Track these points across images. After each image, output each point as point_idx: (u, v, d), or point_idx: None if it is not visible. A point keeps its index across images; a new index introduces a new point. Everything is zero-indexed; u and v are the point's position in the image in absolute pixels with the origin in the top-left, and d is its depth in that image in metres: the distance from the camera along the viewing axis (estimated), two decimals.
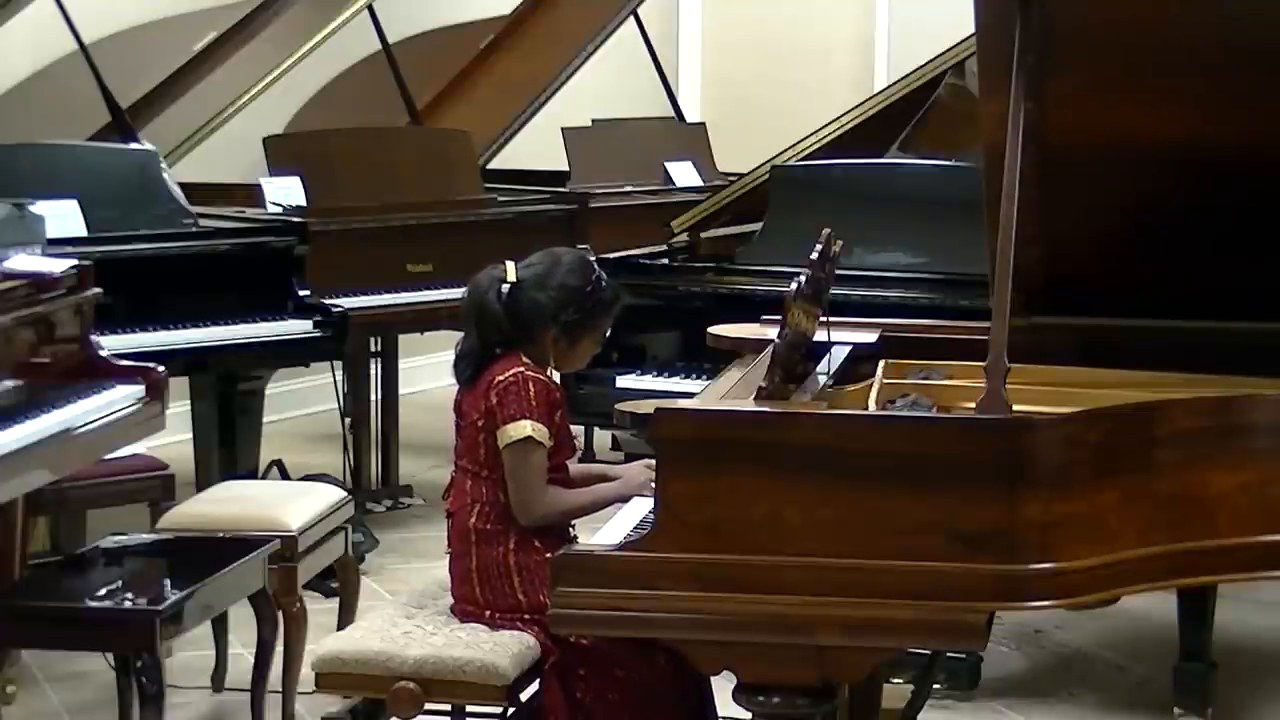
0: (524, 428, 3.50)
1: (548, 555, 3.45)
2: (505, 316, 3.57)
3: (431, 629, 3.53)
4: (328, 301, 5.59)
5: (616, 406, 4.21)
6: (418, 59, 6.95)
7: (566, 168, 7.17)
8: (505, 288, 3.58)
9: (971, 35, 3.39)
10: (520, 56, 7.30)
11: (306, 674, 3.68)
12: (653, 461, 3.56)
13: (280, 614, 4.21)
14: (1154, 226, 3.47)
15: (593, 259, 3.81)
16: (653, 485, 3.42)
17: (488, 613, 3.54)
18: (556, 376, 3.69)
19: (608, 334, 3.75)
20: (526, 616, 3.51)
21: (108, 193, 5.37)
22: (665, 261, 5.34)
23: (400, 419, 6.46)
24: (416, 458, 6.68)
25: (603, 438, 6.49)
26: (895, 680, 4.21)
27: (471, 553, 3.57)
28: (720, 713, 3.54)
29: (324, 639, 3.70)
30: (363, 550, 5.57)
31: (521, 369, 3.54)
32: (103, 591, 3.70)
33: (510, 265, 3.62)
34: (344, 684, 3.51)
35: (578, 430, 6.60)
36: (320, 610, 4.65)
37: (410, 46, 7.04)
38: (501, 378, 3.53)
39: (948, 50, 5.32)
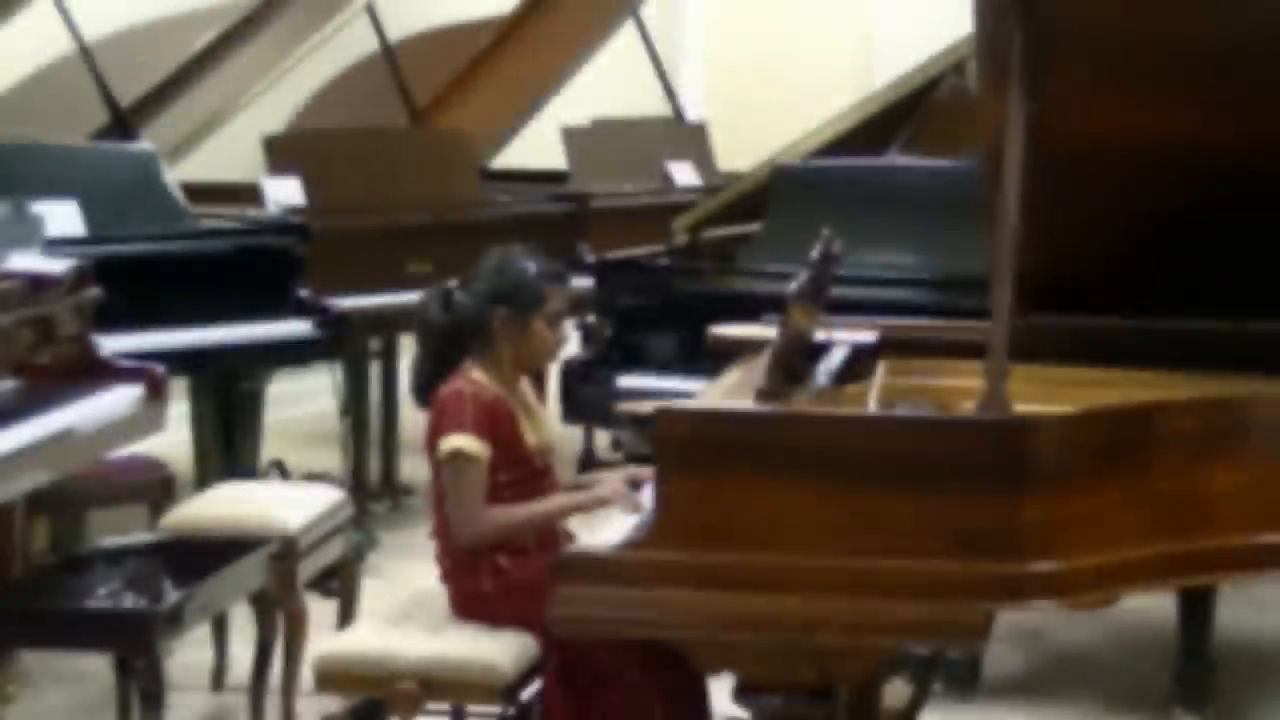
0: (451, 441, 3.48)
1: (529, 571, 3.48)
2: (448, 323, 3.60)
3: (431, 629, 3.54)
4: (328, 301, 5.59)
5: (616, 406, 4.21)
6: (418, 59, 6.95)
7: (566, 168, 7.17)
8: (444, 298, 3.63)
9: (971, 35, 3.39)
10: (520, 56, 7.30)
11: (306, 674, 3.68)
12: (630, 472, 3.59)
13: (280, 614, 4.21)
14: (1154, 226, 3.47)
15: (519, 250, 3.70)
16: (614, 496, 3.43)
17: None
18: (529, 393, 3.68)
19: (564, 315, 3.70)
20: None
21: (108, 193, 5.37)
22: (665, 261, 5.34)
23: (400, 419, 6.46)
24: (416, 458, 6.64)
25: (603, 438, 6.49)
26: (895, 680, 4.21)
27: (453, 580, 3.59)
28: (721, 713, 3.54)
29: (324, 639, 3.70)
30: (363, 550, 5.57)
31: (461, 384, 3.53)
32: (103, 591, 3.70)
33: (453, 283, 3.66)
34: (344, 684, 3.52)
35: (577, 430, 6.68)
36: (320, 610, 4.65)
37: (410, 46, 7.05)
38: (441, 394, 3.54)
39: (948, 50, 5.32)
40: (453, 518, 3.51)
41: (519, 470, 3.56)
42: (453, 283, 3.66)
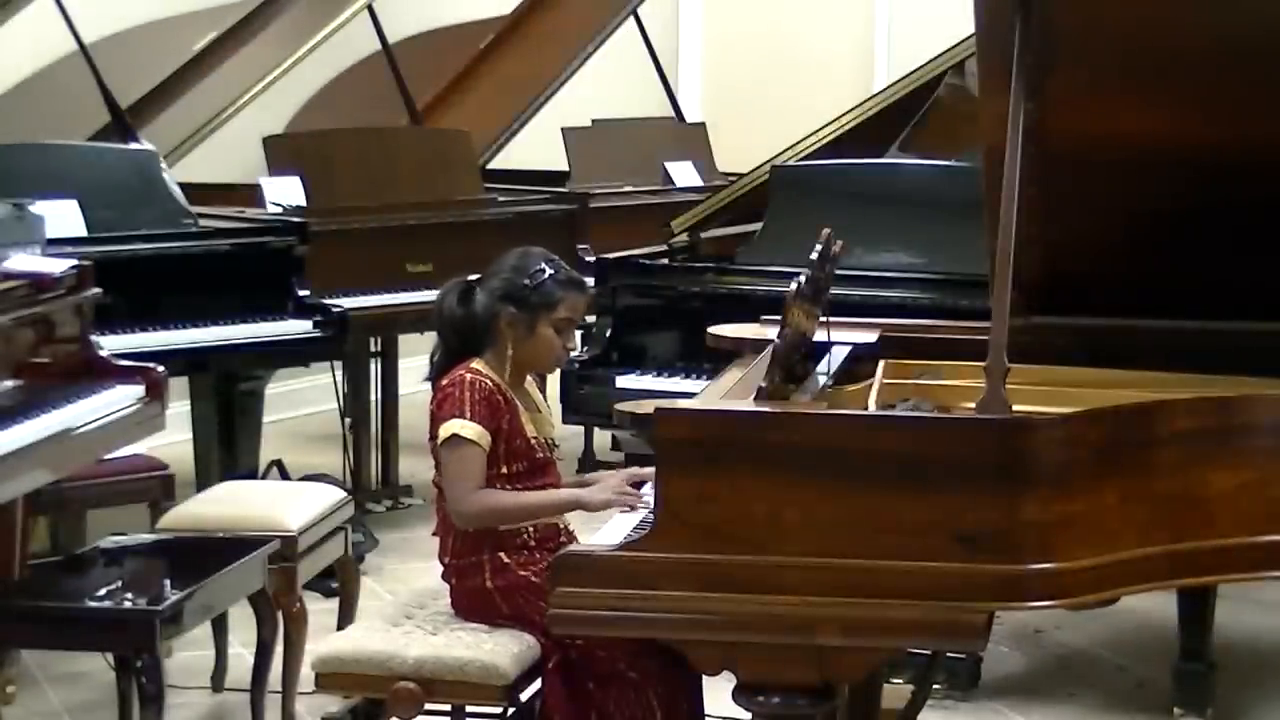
0: (451, 426, 3.48)
1: (530, 569, 3.48)
2: (462, 317, 3.59)
3: (431, 629, 3.54)
4: (328, 301, 5.60)
5: (616, 406, 4.20)
6: (418, 59, 6.95)
7: (566, 168, 7.17)
8: (463, 290, 3.62)
9: (971, 35, 3.39)
10: (520, 56, 7.30)
11: (306, 674, 3.69)
12: (631, 472, 3.58)
13: (280, 614, 4.21)
14: (1153, 226, 3.47)
15: (540, 252, 3.67)
16: (619, 496, 3.44)
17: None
18: (534, 392, 3.68)
19: (576, 323, 3.69)
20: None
21: (108, 193, 5.38)
22: (665, 261, 5.34)
23: (400, 419, 6.46)
24: (416, 458, 6.66)
25: (603, 438, 6.49)
26: (895, 680, 4.22)
27: (453, 577, 3.59)
28: (720, 713, 3.54)
29: (324, 639, 3.70)
30: (363, 550, 5.57)
31: (463, 373, 3.53)
32: (103, 591, 3.70)
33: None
34: (344, 684, 3.52)
35: (577, 430, 6.68)
36: (320, 610, 4.65)
37: (410, 46, 7.04)
38: (444, 382, 3.54)
39: (948, 50, 5.32)
40: (446, 497, 3.52)
41: (520, 462, 3.55)
42: (474, 277, 3.65)
